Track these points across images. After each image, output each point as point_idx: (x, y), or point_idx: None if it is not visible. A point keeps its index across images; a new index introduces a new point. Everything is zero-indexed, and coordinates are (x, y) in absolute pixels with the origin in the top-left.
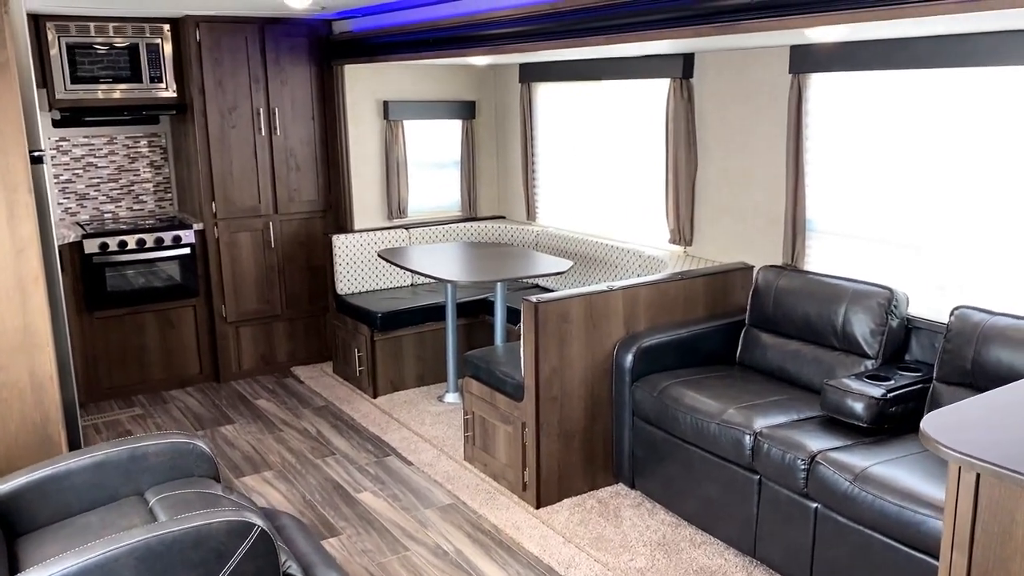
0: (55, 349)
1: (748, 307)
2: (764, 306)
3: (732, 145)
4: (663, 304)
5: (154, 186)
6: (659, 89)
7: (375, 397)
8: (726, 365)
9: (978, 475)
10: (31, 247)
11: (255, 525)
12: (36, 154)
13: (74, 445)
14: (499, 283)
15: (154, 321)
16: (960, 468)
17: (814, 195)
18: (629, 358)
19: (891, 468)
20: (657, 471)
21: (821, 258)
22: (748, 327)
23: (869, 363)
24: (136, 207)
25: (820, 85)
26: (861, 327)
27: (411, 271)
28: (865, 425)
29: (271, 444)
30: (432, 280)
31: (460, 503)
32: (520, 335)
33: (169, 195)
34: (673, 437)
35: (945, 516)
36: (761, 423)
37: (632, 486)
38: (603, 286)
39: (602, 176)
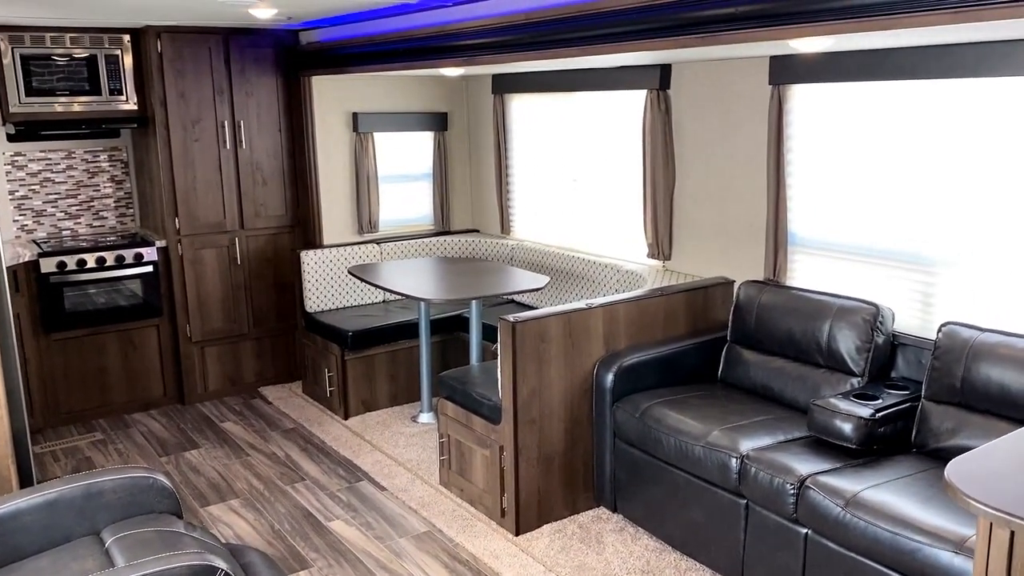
0: (2, 377)
1: (730, 323)
2: (746, 322)
3: (711, 157)
4: (643, 321)
5: (115, 201)
6: (635, 100)
7: (346, 418)
8: (708, 383)
9: (1013, 532)
10: None
11: (219, 569)
12: None
13: (26, 478)
14: (474, 301)
15: (115, 342)
16: (992, 524)
17: (796, 208)
18: (609, 378)
19: (883, 492)
20: (640, 494)
21: (804, 273)
22: (730, 344)
23: (855, 380)
24: (96, 223)
25: (801, 96)
26: (847, 344)
27: (383, 288)
28: (854, 447)
29: (238, 470)
30: (404, 297)
31: (436, 531)
32: (497, 354)
33: (131, 211)
34: (656, 459)
35: (975, 573)
36: (747, 445)
37: (614, 510)
38: (582, 303)
39: (578, 189)
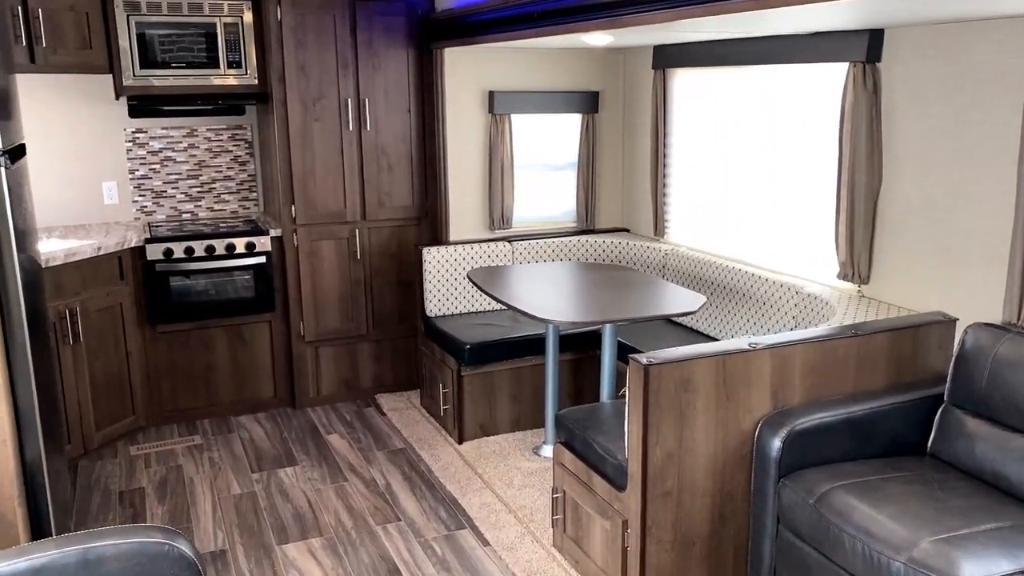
0: (10, 400)
1: (949, 378)
2: (974, 379)
3: (934, 152)
4: (827, 368)
5: (238, 184)
6: (833, 77)
7: (460, 443)
8: (913, 458)
9: None
10: None
11: None
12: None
13: (39, 523)
14: (607, 325)
15: (224, 337)
16: None
17: None
18: (776, 444)
19: None
20: None
21: None
22: (948, 407)
23: None
24: (218, 207)
25: None
26: None
27: (501, 303)
28: None
29: (330, 498)
30: (525, 316)
31: None
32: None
33: (255, 195)
34: (835, 565)
35: None
36: (972, 571)
37: None
38: (743, 342)
39: (751, 187)
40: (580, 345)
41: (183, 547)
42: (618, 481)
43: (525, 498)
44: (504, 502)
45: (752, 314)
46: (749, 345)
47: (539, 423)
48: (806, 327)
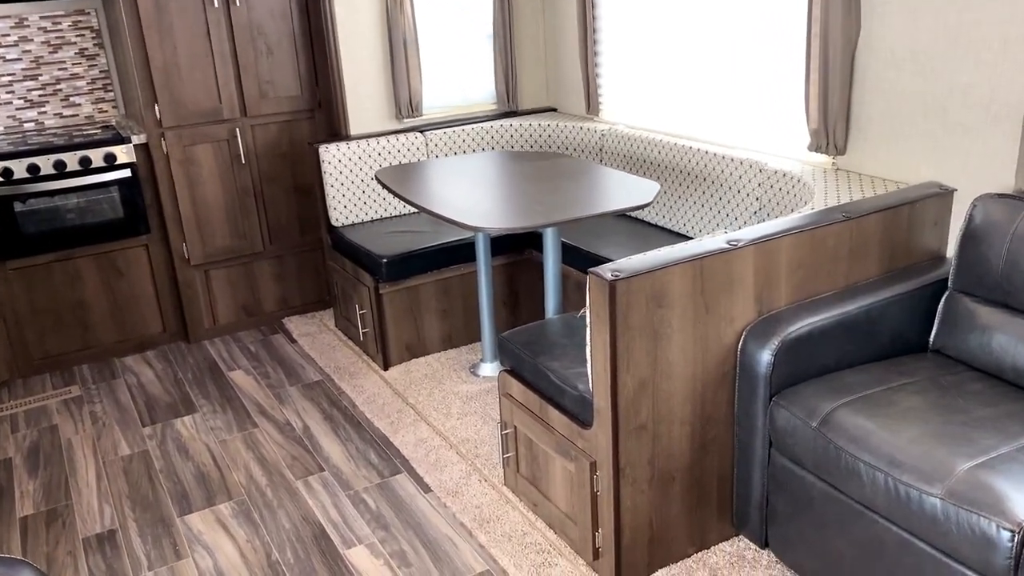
0: None
1: (954, 261)
2: (987, 261)
3: None
4: (816, 261)
5: (89, 83)
6: None
7: (386, 369)
8: (915, 355)
9: None
10: None
11: None
12: None
13: None
14: (549, 228)
15: (93, 268)
16: None
17: None
18: (765, 358)
19: None
20: (810, 537)
21: None
22: (953, 294)
23: None
24: (68, 112)
25: None
26: None
27: (421, 209)
28: None
29: (238, 451)
30: (453, 224)
31: (498, 572)
32: (586, 301)
33: (111, 95)
34: (847, 497)
35: None
36: None
37: (763, 544)
38: (719, 240)
39: (700, 48)
40: (513, 247)
41: None
42: (581, 416)
43: (466, 429)
44: (443, 436)
45: (708, 200)
46: (728, 243)
47: (473, 337)
48: (775, 212)
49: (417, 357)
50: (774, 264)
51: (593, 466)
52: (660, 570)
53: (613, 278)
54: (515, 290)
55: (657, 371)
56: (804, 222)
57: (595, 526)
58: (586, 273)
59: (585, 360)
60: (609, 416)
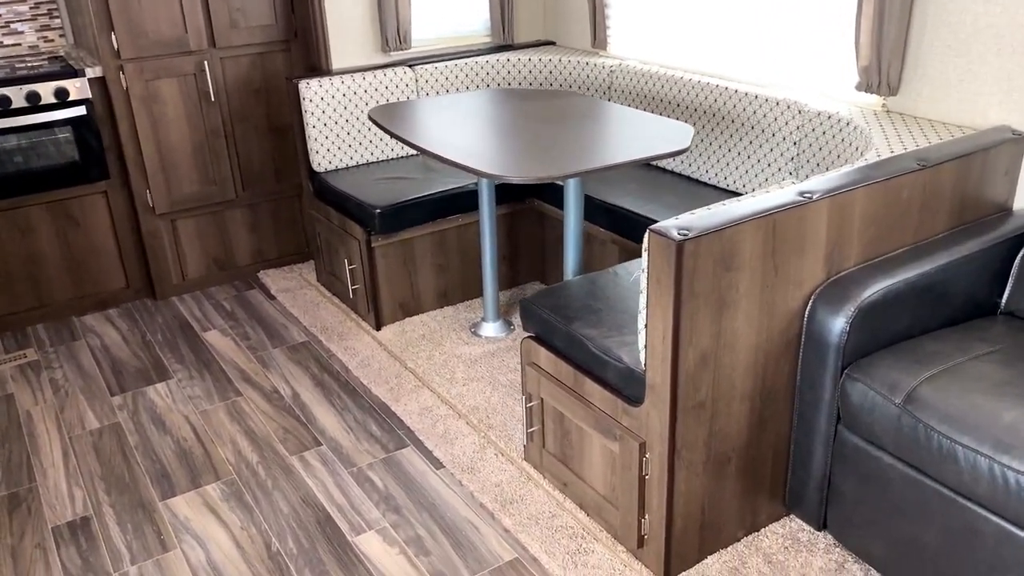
0: None
1: None
2: None
3: None
4: (889, 216)
5: (31, 8)
6: None
7: (378, 329)
8: (985, 318)
9: None
10: None
11: None
12: None
13: None
14: (572, 180)
15: (46, 217)
16: None
17: None
18: (839, 325)
19: None
20: (881, 521)
21: None
22: None
23: None
24: (9, 42)
25: None
26: None
27: (426, 153)
28: None
29: (222, 423)
30: (464, 169)
31: (528, 560)
32: (642, 264)
33: (57, 21)
34: (938, 484)
35: None
36: None
37: (821, 526)
38: (789, 192)
39: None
40: (517, 196)
41: None
42: (627, 392)
43: (474, 396)
44: (449, 404)
45: (736, 145)
46: (801, 195)
47: (470, 293)
48: (815, 159)
49: (411, 316)
50: (847, 219)
51: (643, 447)
52: (710, 556)
53: (681, 237)
54: (514, 243)
55: (721, 343)
56: (878, 171)
57: (641, 512)
58: (606, 229)
59: (621, 327)
60: (667, 394)
